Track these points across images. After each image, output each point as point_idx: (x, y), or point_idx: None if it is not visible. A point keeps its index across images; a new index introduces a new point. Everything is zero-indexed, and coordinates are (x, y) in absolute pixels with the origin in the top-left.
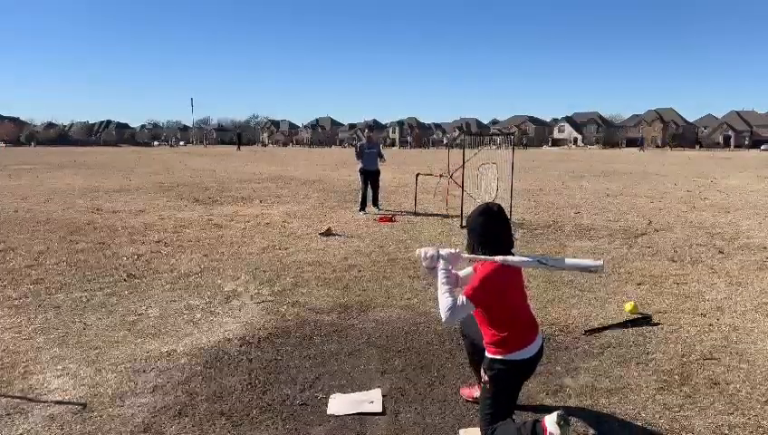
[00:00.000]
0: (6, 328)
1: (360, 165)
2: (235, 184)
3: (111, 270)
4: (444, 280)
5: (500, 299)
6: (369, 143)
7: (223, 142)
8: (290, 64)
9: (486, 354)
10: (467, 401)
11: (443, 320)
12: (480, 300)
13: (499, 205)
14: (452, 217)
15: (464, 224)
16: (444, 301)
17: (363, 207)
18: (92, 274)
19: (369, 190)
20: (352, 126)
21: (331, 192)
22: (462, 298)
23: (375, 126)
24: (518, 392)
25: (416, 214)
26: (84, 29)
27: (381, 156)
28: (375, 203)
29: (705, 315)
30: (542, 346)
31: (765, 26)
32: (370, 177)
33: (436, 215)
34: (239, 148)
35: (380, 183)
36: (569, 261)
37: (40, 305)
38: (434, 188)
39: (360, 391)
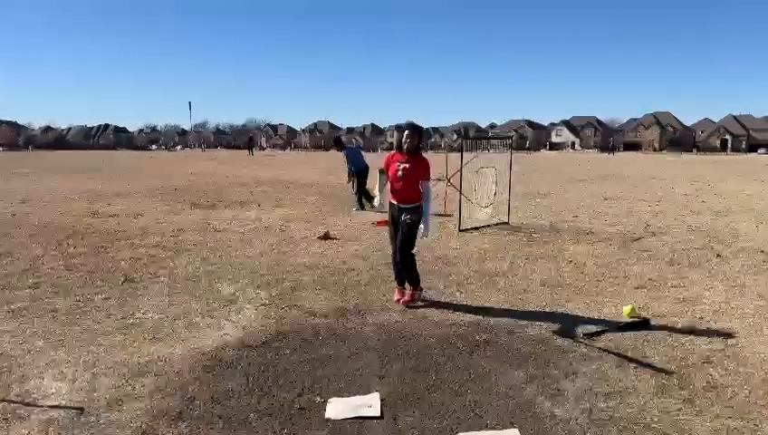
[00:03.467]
0: (4, 332)
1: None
2: (233, 188)
3: (109, 274)
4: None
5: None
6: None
7: (221, 146)
8: (288, 68)
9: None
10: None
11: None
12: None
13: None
14: (448, 215)
15: (461, 228)
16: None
17: (361, 203)
18: (90, 277)
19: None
20: (350, 130)
21: (329, 196)
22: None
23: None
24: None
25: None
26: (82, 32)
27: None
28: (360, 203)
29: (703, 319)
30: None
31: (763, 30)
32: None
33: (435, 217)
34: (251, 152)
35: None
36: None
37: (37, 309)
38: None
39: (359, 395)
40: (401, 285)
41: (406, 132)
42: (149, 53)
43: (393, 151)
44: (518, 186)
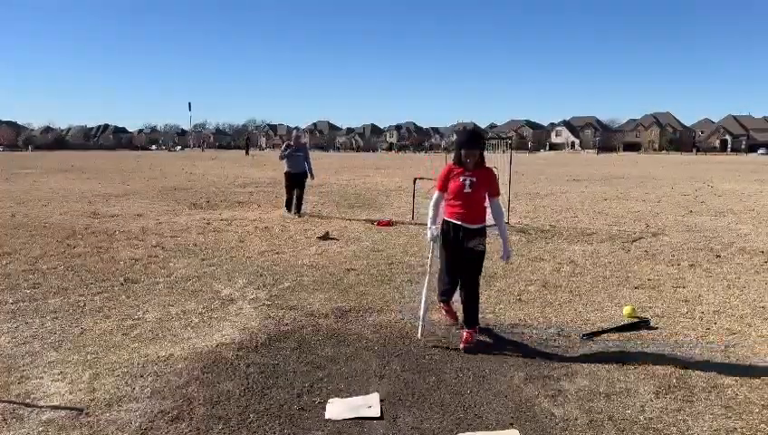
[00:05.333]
0: (3, 332)
1: (285, 168)
2: (232, 188)
3: (109, 274)
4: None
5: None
6: (297, 146)
7: (221, 147)
8: (288, 68)
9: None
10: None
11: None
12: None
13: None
14: None
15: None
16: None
17: (289, 207)
18: (90, 278)
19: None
20: (350, 130)
21: (328, 196)
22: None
23: (298, 129)
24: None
25: (413, 218)
26: (82, 33)
27: (309, 164)
28: (298, 209)
29: (702, 319)
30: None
31: (762, 31)
32: (295, 179)
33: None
34: (248, 153)
35: (306, 188)
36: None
37: (37, 310)
38: (429, 190)
39: (358, 395)
40: (448, 301)
41: (463, 151)
42: (149, 53)
43: (450, 163)
44: (518, 186)
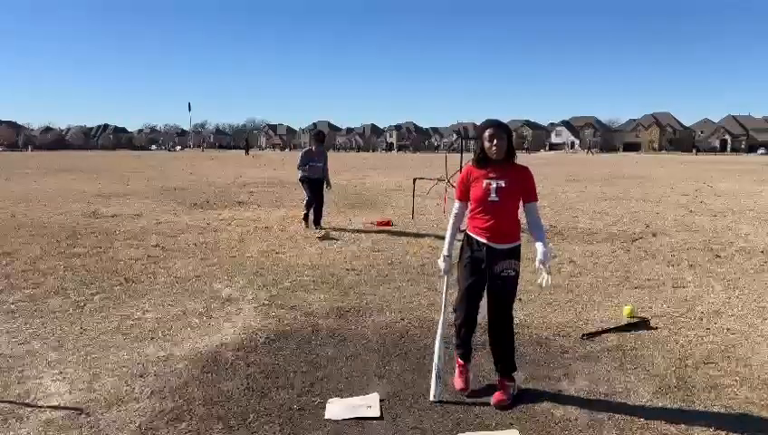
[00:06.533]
0: (3, 332)
1: (300, 173)
2: (232, 188)
3: (108, 274)
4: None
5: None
6: (317, 155)
7: (221, 147)
8: (288, 68)
9: (516, 244)
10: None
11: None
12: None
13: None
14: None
15: (461, 228)
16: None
17: (307, 220)
18: (89, 278)
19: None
20: (350, 130)
21: (328, 196)
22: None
23: (323, 134)
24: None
25: (413, 218)
26: (82, 33)
27: (326, 172)
28: (317, 221)
29: (702, 319)
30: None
31: (762, 31)
32: (315, 186)
33: (434, 219)
34: (248, 153)
35: (325, 198)
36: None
37: (36, 310)
38: (429, 190)
39: (358, 395)
40: (467, 359)
41: (488, 131)
42: (149, 52)
43: (469, 164)
44: None
